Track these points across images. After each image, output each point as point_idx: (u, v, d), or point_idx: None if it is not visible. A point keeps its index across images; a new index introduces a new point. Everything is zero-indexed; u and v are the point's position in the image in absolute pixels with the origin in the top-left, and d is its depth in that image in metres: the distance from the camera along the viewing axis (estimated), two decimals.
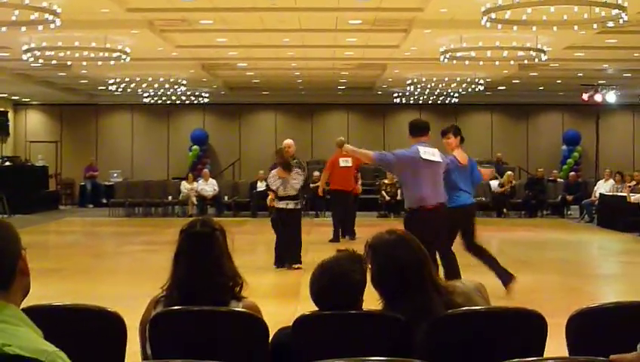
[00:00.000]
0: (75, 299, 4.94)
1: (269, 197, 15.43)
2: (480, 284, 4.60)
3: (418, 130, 11.21)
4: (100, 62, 24.24)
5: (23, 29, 18.54)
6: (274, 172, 15.21)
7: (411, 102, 35.88)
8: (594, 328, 4.37)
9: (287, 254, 15.24)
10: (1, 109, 36.46)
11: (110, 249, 20.49)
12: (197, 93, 35.15)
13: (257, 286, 12.85)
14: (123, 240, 21.96)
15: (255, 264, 15.04)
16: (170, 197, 30.63)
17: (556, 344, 4.43)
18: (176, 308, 4.50)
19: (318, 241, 19.52)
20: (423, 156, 10.80)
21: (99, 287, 13.65)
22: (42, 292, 9.95)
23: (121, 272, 16.22)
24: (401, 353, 4.01)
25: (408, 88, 32.52)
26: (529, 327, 4.35)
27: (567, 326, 4.38)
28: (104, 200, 33.23)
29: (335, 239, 20.20)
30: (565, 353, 4.29)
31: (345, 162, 20.68)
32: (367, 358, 3.35)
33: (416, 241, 4.49)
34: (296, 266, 15.08)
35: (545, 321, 4.32)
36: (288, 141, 15.56)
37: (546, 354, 4.16)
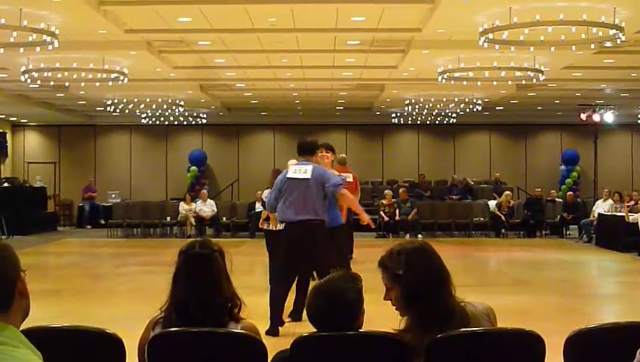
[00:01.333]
0: (73, 320, 4.95)
1: (262, 216, 15.45)
2: (490, 308, 4.59)
3: (299, 150, 11.33)
4: (97, 83, 24.29)
5: (21, 50, 18.55)
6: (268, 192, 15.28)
7: (409, 122, 35.92)
8: (591, 349, 4.37)
9: None
10: (0, 130, 36.47)
11: (108, 270, 20.46)
12: (195, 114, 35.19)
13: (256, 307, 12.84)
14: (121, 261, 21.93)
15: (254, 285, 14.96)
16: (168, 218, 30.61)
17: None
18: (174, 329, 4.50)
19: None
20: (289, 175, 11.04)
21: (97, 308, 13.64)
22: (41, 313, 9.95)
23: (120, 293, 16.20)
24: None
25: (406, 108, 32.54)
26: (527, 348, 4.34)
27: (565, 346, 4.38)
28: (102, 221, 33.19)
29: None
30: None
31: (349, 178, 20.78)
32: None
33: (435, 251, 4.54)
34: None
35: (543, 342, 4.32)
36: (293, 161, 15.65)
37: None
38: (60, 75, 22.93)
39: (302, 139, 11.86)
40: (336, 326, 4.29)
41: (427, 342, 4.17)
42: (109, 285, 17.71)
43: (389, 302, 4.46)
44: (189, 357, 4.38)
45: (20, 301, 2.96)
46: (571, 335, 4.40)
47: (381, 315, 4.55)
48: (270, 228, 15.08)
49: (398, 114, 34.94)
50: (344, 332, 4.31)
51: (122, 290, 16.64)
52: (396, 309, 4.50)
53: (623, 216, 24.22)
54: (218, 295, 4.58)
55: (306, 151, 11.34)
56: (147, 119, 34.04)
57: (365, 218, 11.71)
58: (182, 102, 31.25)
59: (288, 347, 4.37)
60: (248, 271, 17.93)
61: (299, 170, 10.99)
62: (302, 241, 10.63)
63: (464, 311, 4.40)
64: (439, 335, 4.19)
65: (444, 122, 36.03)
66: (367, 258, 4.25)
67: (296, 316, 10.96)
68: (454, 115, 34.60)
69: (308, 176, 10.89)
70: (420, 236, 25.79)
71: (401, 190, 30.58)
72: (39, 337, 3.40)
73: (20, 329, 2.98)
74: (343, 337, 4.33)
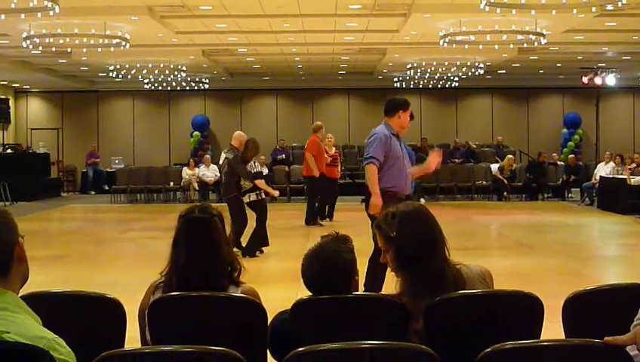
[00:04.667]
0: (76, 286, 4.98)
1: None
2: (486, 271, 4.60)
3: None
4: (99, 49, 24.21)
5: (23, 16, 18.52)
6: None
7: (411, 86, 35.83)
8: (590, 310, 4.39)
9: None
10: (2, 97, 36.39)
11: (112, 235, 20.49)
12: (197, 79, 35.14)
13: (258, 271, 12.92)
14: (125, 227, 21.97)
15: None
16: (171, 184, 30.67)
17: (554, 326, 4.46)
18: (174, 293, 4.52)
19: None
20: None
21: (101, 274, 13.70)
22: (44, 279, 10.04)
23: (123, 258, 16.23)
24: (398, 336, 4.03)
25: (408, 73, 32.49)
26: (525, 310, 4.36)
27: (564, 308, 4.40)
28: (106, 187, 33.25)
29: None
30: (562, 335, 4.32)
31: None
32: (362, 342, 3.37)
33: (431, 214, 4.57)
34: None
35: (541, 304, 4.33)
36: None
37: (543, 337, 4.17)
38: (61, 41, 22.86)
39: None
40: (333, 289, 4.31)
41: (424, 305, 4.20)
42: (112, 250, 17.76)
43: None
44: (189, 321, 4.41)
45: (19, 266, 2.97)
46: (570, 297, 4.42)
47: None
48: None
49: (400, 78, 34.88)
50: (342, 294, 4.33)
51: (126, 255, 16.67)
52: (392, 271, 4.53)
53: (625, 179, 24.22)
54: (218, 259, 4.60)
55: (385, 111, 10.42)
56: (150, 85, 33.98)
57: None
58: (184, 68, 31.18)
59: (288, 309, 4.40)
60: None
61: None
62: None
63: (458, 274, 4.43)
64: (438, 298, 4.22)
65: (446, 86, 35.97)
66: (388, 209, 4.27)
67: None
68: (456, 79, 34.53)
69: None
70: (422, 200, 25.77)
71: None
72: (39, 302, 3.43)
73: (20, 294, 3.01)
74: (343, 300, 4.35)
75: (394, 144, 9.93)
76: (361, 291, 4.80)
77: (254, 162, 15.27)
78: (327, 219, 21.36)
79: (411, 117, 10.28)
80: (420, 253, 4.35)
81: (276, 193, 15.57)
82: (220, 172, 18.20)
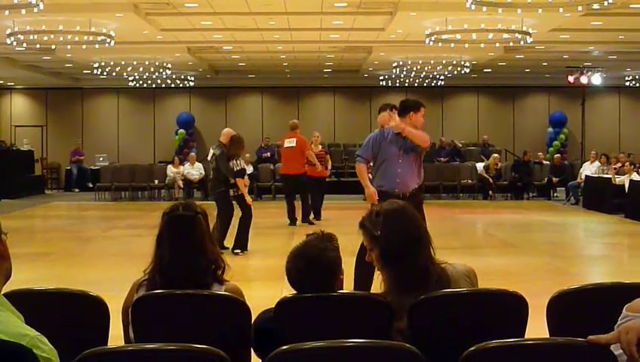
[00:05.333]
0: (60, 284, 4.95)
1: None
2: (470, 269, 4.61)
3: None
4: (84, 46, 24.11)
5: (7, 12, 18.46)
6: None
7: (397, 84, 35.88)
8: (574, 309, 4.40)
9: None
10: None
11: (96, 233, 20.45)
12: (183, 77, 35.10)
13: (242, 269, 12.91)
14: (109, 225, 21.94)
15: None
16: (156, 181, 30.60)
17: (539, 325, 4.46)
18: (158, 291, 4.51)
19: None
20: None
21: (85, 272, 13.66)
22: (28, 276, 10.00)
23: (108, 256, 16.19)
24: (382, 335, 4.03)
25: (394, 71, 32.50)
26: (510, 309, 4.37)
27: (548, 307, 4.41)
28: (90, 185, 33.13)
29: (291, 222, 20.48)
30: (547, 334, 4.31)
31: (289, 143, 20.75)
32: (346, 340, 3.36)
33: (416, 213, 4.58)
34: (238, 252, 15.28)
35: (526, 302, 4.34)
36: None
37: (527, 336, 4.17)
38: (46, 38, 22.78)
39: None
40: (317, 288, 4.31)
41: (408, 303, 4.20)
42: (96, 248, 17.72)
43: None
44: (172, 319, 4.40)
45: (1, 264, 2.95)
46: (555, 295, 4.43)
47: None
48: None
49: (386, 76, 34.91)
50: (326, 292, 4.33)
51: (110, 253, 16.62)
52: (377, 270, 4.53)
53: (610, 178, 24.29)
54: (202, 257, 4.59)
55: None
56: (134, 82, 33.94)
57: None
58: (169, 65, 31.13)
59: (272, 307, 4.39)
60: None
61: None
62: None
63: (443, 273, 4.43)
64: (422, 297, 4.22)
65: (432, 84, 36.04)
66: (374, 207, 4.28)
67: None
68: (442, 78, 34.59)
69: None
70: None
71: None
72: (22, 300, 3.42)
73: (3, 291, 2.99)
74: (327, 298, 4.35)
75: (388, 145, 10.16)
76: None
77: (237, 160, 15.23)
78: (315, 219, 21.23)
79: None
80: (404, 251, 4.35)
81: (249, 201, 15.52)
82: (208, 168, 18.21)
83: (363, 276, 9.28)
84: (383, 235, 4.40)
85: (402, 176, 10.09)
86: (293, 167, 20.64)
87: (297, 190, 20.72)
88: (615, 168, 25.29)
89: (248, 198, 15.49)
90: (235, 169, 15.11)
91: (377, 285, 4.55)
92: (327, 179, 23.26)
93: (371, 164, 10.46)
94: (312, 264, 4.32)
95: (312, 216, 20.91)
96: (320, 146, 22.84)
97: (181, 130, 36.98)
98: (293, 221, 20.31)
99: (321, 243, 4.42)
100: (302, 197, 20.80)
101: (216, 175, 15.60)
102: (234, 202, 15.46)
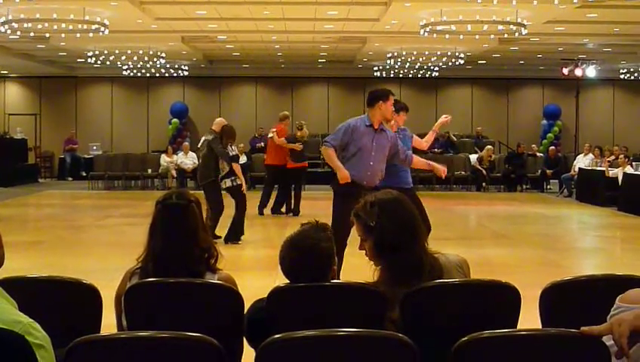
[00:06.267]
0: (53, 272, 4.96)
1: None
2: (463, 260, 4.62)
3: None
4: (78, 35, 24.06)
5: (1, 1, 18.39)
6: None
7: (392, 75, 35.84)
8: (567, 301, 4.41)
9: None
10: None
11: (89, 222, 20.42)
12: (177, 66, 35.03)
13: (235, 259, 12.91)
14: (102, 213, 21.91)
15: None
16: (149, 171, 30.59)
17: (531, 317, 4.46)
18: (151, 279, 4.51)
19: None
20: None
21: (78, 260, 13.64)
22: (21, 264, 9.98)
23: (101, 245, 16.19)
24: (375, 324, 4.03)
25: (388, 62, 32.48)
26: (502, 300, 4.37)
27: (541, 298, 4.42)
28: (84, 173, 33.09)
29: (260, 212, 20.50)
30: (539, 325, 4.32)
31: (271, 133, 20.76)
32: (338, 329, 3.36)
33: (411, 203, 4.58)
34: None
35: (518, 294, 4.35)
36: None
37: (519, 327, 4.18)
38: (40, 26, 22.74)
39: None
40: (311, 277, 4.30)
41: (401, 293, 4.20)
42: (89, 237, 17.70)
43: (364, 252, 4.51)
44: (165, 308, 4.40)
45: None
46: (547, 287, 4.44)
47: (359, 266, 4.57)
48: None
49: (380, 67, 34.88)
50: (319, 281, 4.32)
51: (103, 242, 16.63)
52: (370, 259, 4.53)
53: (604, 171, 24.31)
54: (195, 245, 4.59)
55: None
56: (128, 71, 33.88)
57: None
58: (163, 54, 31.07)
59: (264, 297, 4.38)
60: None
61: None
62: None
63: (436, 263, 4.44)
64: (415, 287, 4.22)
65: (427, 76, 36.00)
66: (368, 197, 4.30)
67: None
68: (436, 69, 34.58)
69: None
70: None
71: None
72: (15, 287, 3.41)
73: None
74: (320, 288, 4.34)
75: (360, 135, 10.02)
76: None
77: (231, 145, 15.24)
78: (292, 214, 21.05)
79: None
80: (399, 241, 4.36)
81: (244, 187, 15.53)
82: (198, 157, 18.13)
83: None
84: (377, 226, 4.40)
85: (376, 170, 10.07)
86: (275, 158, 20.79)
87: (277, 181, 20.77)
88: (609, 161, 25.33)
89: (243, 183, 15.49)
90: (231, 153, 15.11)
91: (369, 275, 4.55)
92: (319, 170, 23.17)
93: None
94: (306, 254, 4.32)
95: (283, 208, 20.80)
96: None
97: (175, 120, 36.91)
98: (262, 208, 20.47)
99: (316, 233, 4.41)
100: (281, 187, 20.83)
101: (206, 163, 15.55)
102: (225, 193, 15.44)
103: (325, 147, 10.14)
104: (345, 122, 10.29)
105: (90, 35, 23.75)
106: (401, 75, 35.95)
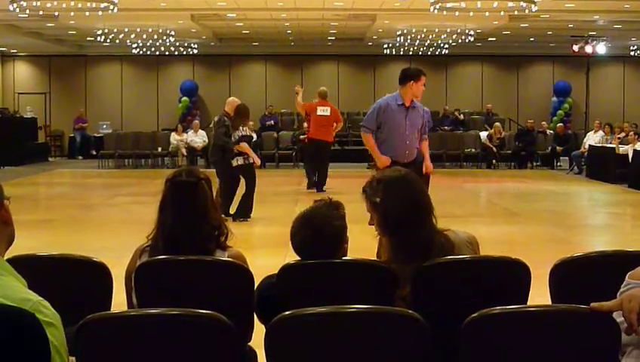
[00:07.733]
0: (63, 250, 4.94)
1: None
2: (472, 237, 4.62)
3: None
4: (87, 13, 24.01)
5: None
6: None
7: (401, 53, 35.71)
8: (576, 277, 4.40)
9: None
10: None
11: (99, 200, 20.45)
12: (186, 45, 34.96)
13: (246, 236, 12.92)
14: (112, 192, 21.93)
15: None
16: (159, 149, 30.64)
17: (541, 293, 4.46)
18: (161, 257, 4.51)
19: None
20: None
21: (88, 238, 13.67)
22: (31, 243, 10.00)
23: (111, 223, 16.20)
24: (385, 301, 4.03)
25: (398, 39, 32.37)
26: (513, 276, 4.37)
27: (551, 275, 4.41)
28: (93, 152, 33.16)
29: (311, 186, 20.40)
30: (549, 302, 4.32)
31: (323, 111, 20.59)
32: (348, 306, 3.37)
33: (419, 180, 4.59)
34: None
35: (528, 270, 4.35)
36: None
37: (529, 303, 4.18)
38: (49, 5, 22.67)
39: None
40: (321, 255, 4.31)
41: (410, 271, 4.20)
42: (99, 215, 17.73)
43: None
44: (175, 285, 4.40)
45: (4, 229, 2.95)
46: (557, 263, 4.44)
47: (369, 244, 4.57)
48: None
49: (390, 45, 34.77)
50: (330, 258, 4.33)
51: (113, 220, 16.63)
52: (378, 235, 4.54)
53: (614, 148, 24.25)
54: (205, 223, 4.59)
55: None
56: (138, 49, 33.81)
57: None
58: (173, 33, 30.99)
59: (275, 273, 4.39)
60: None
61: None
62: None
63: (445, 240, 4.43)
64: (425, 264, 4.22)
65: (436, 53, 35.86)
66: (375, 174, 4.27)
67: None
68: (446, 46, 34.45)
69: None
70: None
71: None
72: (25, 265, 3.42)
73: (6, 257, 2.98)
74: (330, 264, 4.35)
75: (393, 114, 10.27)
76: None
77: (243, 127, 15.22)
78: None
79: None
80: (404, 218, 4.36)
81: (258, 161, 15.54)
82: (208, 135, 18.19)
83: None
84: (382, 202, 4.41)
85: (409, 146, 10.25)
86: (325, 134, 20.73)
87: (321, 157, 20.72)
88: (619, 138, 25.24)
89: (256, 158, 15.48)
90: (234, 138, 15.07)
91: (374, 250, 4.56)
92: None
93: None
94: (318, 232, 4.32)
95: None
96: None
97: (184, 98, 36.91)
98: (313, 185, 20.40)
99: (328, 210, 4.42)
100: (322, 164, 20.75)
101: (215, 142, 15.59)
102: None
103: (363, 132, 10.53)
104: (375, 102, 10.61)
105: (100, 13, 23.69)
106: (410, 53, 35.81)
